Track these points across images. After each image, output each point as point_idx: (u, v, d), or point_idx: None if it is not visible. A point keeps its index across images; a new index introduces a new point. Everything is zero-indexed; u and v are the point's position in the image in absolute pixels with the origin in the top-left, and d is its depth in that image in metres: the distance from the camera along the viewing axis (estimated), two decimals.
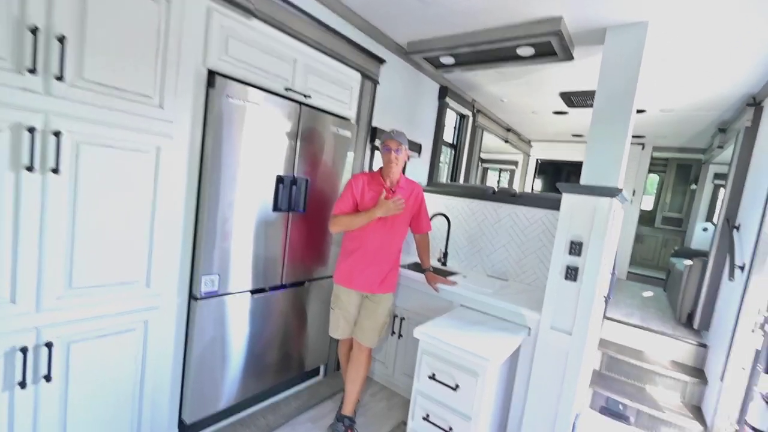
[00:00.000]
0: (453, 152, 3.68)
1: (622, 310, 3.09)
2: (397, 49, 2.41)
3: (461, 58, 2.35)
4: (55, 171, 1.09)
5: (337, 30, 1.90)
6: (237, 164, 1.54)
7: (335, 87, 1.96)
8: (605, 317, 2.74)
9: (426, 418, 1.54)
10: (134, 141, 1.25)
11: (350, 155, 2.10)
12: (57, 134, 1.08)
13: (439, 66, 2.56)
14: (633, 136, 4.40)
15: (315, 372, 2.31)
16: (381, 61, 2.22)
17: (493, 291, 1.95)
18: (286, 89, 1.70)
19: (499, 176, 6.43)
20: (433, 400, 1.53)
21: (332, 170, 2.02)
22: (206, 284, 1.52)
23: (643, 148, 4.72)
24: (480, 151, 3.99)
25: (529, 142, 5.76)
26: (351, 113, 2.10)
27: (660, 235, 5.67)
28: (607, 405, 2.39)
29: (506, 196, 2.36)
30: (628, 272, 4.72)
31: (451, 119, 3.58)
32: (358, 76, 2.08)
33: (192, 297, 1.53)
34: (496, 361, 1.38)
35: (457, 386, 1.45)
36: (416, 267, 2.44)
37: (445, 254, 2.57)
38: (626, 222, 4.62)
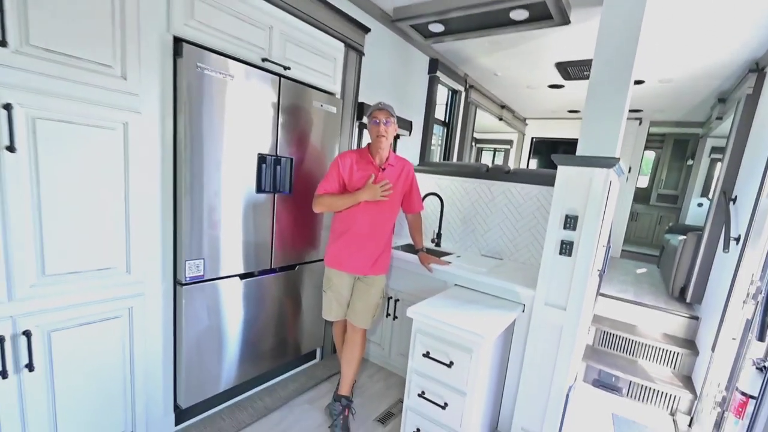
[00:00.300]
0: (445, 131, 3.58)
1: (616, 286, 3.13)
2: (383, 16, 2.27)
3: (451, 24, 2.23)
4: (10, 149, 1.00)
5: None
6: (213, 142, 1.45)
7: (317, 58, 1.85)
8: (599, 294, 2.75)
9: (422, 395, 1.55)
10: (97, 116, 1.15)
11: (337, 132, 2.01)
12: (7, 107, 0.98)
13: (429, 35, 2.44)
14: (630, 111, 4.32)
15: (312, 355, 2.30)
16: (366, 29, 2.09)
17: (487, 270, 1.93)
18: (263, 60, 1.59)
19: (494, 156, 6.34)
20: (428, 378, 1.53)
21: (318, 149, 1.93)
22: (191, 269, 1.46)
23: (640, 123, 4.63)
24: (473, 129, 3.89)
25: (524, 120, 5.65)
26: (335, 87, 1.99)
27: (655, 213, 5.65)
28: (599, 377, 2.43)
29: (500, 173, 2.31)
30: (623, 250, 4.73)
31: (442, 95, 3.47)
32: (341, 46, 1.96)
33: (177, 282, 1.48)
34: (489, 338, 1.38)
35: (452, 363, 1.45)
36: (410, 248, 2.39)
37: (439, 235, 2.53)
38: (621, 200, 4.57)
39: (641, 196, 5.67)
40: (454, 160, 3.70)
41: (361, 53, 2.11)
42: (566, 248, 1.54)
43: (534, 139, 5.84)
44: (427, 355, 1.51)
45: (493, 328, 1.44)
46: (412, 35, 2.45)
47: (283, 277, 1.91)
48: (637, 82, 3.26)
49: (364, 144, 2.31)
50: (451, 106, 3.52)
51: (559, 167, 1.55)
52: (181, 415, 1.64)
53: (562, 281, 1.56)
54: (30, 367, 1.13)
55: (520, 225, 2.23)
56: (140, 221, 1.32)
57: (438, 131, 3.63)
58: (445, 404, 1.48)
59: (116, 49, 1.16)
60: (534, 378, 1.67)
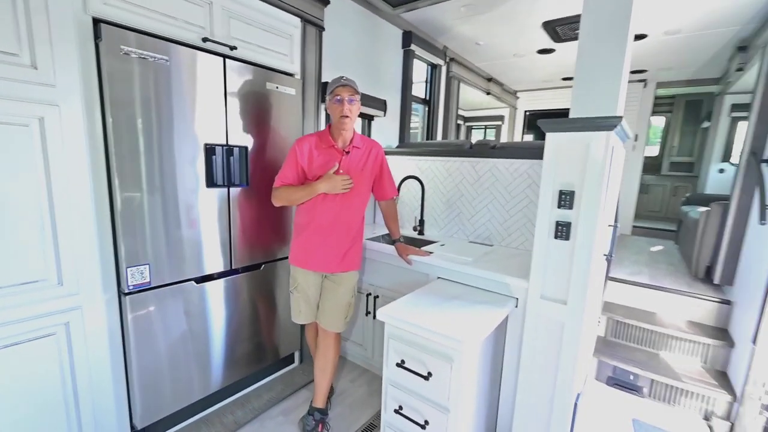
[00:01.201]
0: (426, 109, 3.53)
1: (628, 268, 2.93)
2: None
3: None
4: None
5: None
6: (150, 133, 1.40)
7: (269, 35, 1.78)
8: (608, 278, 2.58)
9: (399, 411, 1.45)
10: (4, 111, 1.10)
11: (298, 116, 1.96)
12: None
13: (396, 3, 2.37)
14: (633, 72, 4.19)
15: (290, 359, 2.29)
16: (325, 2, 2.02)
17: (473, 259, 1.86)
18: (204, 40, 1.52)
19: (485, 134, 6.32)
20: (405, 390, 1.44)
21: (278, 135, 1.88)
22: (134, 276, 1.42)
23: (645, 85, 4.48)
24: (458, 105, 3.85)
25: (514, 93, 5.61)
26: (294, 67, 1.93)
27: (668, 183, 5.49)
28: (614, 375, 2.22)
29: (485, 149, 2.24)
30: (633, 226, 4.56)
31: (421, 71, 3.40)
32: (297, 21, 1.90)
33: (121, 292, 1.44)
34: (472, 343, 1.27)
35: (430, 374, 1.35)
36: (388, 239, 2.38)
37: (421, 221, 2.50)
38: (629, 170, 4.45)
39: (651, 166, 5.55)
40: (439, 140, 3.66)
41: (321, 28, 2.05)
42: (562, 230, 1.39)
43: (528, 113, 5.82)
44: (401, 364, 1.41)
45: (477, 330, 1.32)
46: (378, 5, 2.39)
47: (248, 278, 1.89)
48: (638, 37, 3.07)
49: None
50: (431, 83, 3.46)
51: (548, 135, 1.40)
52: None
53: (560, 270, 1.42)
54: None
55: (511, 206, 2.16)
56: (70, 227, 1.28)
57: (419, 110, 3.58)
58: (426, 422, 1.38)
59: (21, 34, 1.09)
60: (533, 385, 1.54)
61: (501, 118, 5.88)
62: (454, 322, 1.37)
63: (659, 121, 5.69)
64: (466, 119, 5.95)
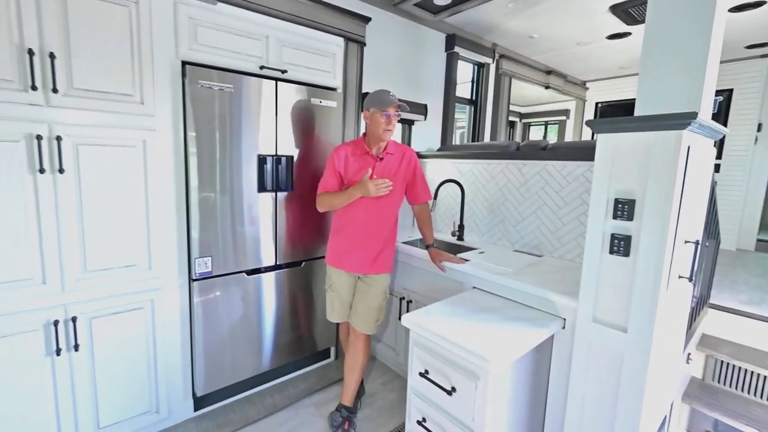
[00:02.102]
0: (472, 109, 3.83)
1: (744, 294, 2.67)
2: (385, 2, 2.61)
3: None
4: (61, 171, 1.54)
5: None
6: (216, 148, 1.94)
7: (315, 56, 2.26)
8: (708, 305, 2.41)
9: (421, 423, 1.53)
10: (123, 138, 1.68)
11: (339, 126, 2.41)
12: (58, 139, 1.52)
13: (437, 10, 2.72)
14: (753, 46, 3.85)
15: (326, 354, 2.75)
16: (366, 19, 2.46)
17: (513, 270, 1.89)
18: (261, 67, 2.03)
19: (545, 131, 6.37)
20: (428, 402, 1.52)
21: (320, 144, 2.35)
22: (200, 266, 1.97)
23: None
24: (509, 103, 4.09)
25: (583, 84, 5.64)
26: (336, 82, 2.39)
27: None
28: (715, 431, 2.05)
29: (535, 150, 2.30)
30: (758, 240, 4.23)
31: (466, 71, 3.72)
32: (340, 40, 2.36)
33: (191, 279, 2.00)
34: (500, 362, 1.28)
35: (454, 389, 1.39)
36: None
37: (461, 227, 2.71)
38: (751, 170, 4.08)
39: None
40: (487, 140, 3.92)
41: (362, 44, 2.49)
42: (619, 245, 1.33)
43: (600, 105, 5.79)
44: (425, 374, 1.49)
45: (508, 349, 1.32)
46: (419, 14, 2.77)
47: (290, 273, 2.38)
48: (747, 5, 2.85)
49: None
50: (478, 82, 3.76)
51: (600, 136, 1.37)
52: (198, 402, 2.18)
53: (618, 290, 1.35)
54: (76, 347, 1.69)
55: (564, 213, 2.14)
56: (158, 224, 1.84)
57: (464, 111, 3.89)
58: None
59: (135, 79, 1.67)
60: (584, 427, 1.46)
61: (566, 112, 5.91)
62: (482, 337, 1.40)
63: None
64: (522, 116, 6.07)
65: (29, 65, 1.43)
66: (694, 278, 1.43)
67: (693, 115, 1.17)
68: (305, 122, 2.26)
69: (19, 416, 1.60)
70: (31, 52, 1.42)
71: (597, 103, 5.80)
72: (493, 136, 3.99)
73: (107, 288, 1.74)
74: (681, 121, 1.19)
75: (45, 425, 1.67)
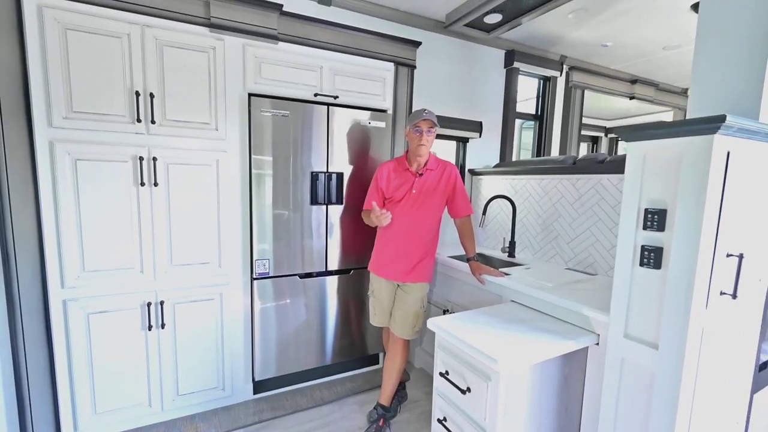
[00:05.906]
0: (538, 125, 3.68)
1: None
2: (436, 25, 2.72)
3: (507, 7, 2.39)
4: (156, 185, 1.95)
5: (363, 28, 2.38)
6: (275, 167, 2.22)
7: (365, 82, 2.45)
8: None
9: (442, 422, 1.62)
10: (202, 158, 2.04)
11: (387, 144, 2.56)
12: (155, 159, 1.92)
13: (490, 29, 2.73)
14: None
15: (374, 359, 2.88)
16: (416, 44, 2.59)
17: (553, 285, 1.89)
18: (315, 95, 2.29)
19: None
20: (449, 401, 1.61)
21: (369, 162, 2.53)
22: (259, 267, 2.26)
23: None
24: (581, 117, 3.82)
25: (684, 92, 4.96)
26: (386, 104, 2.56)
27: None
28: None
29: (592, 164, 2.22)
30: None
31: (530, 86, 3.59)
32: (390, 65, 2.52)
33: (252, 277, 2.29)
34: (509, 365, 1.31)
35: (468, 389, 1.47)
36: (479, 257, 2.68)
37: (512, 243, 2.69)
38: None
39: None
40: (546, 156, 3.73)
41: (412, 67, 2.62)
42: (650, 256, 1.28)
43: None
44: (445, 374, 1.58)
45: (522, 354, 1.35)
46: (472, 34, 2.81)
47: (340, 280, 2.57)
48: None
49: None
50: (543, 96, 3.61)
51: (628, 145, 1.33)
52: (257, 386, 2.46)
53: (649, 304, 1.31)
54: (163, 325, 2.07)
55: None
56: (227, 228, 2.18)
57: (529, 126, 3.75)
58: None
59: (211, 110, 2.03)
60: None
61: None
62: (499, 342, 1.44)
63: None
64: (608, 130, 5.54)
65: (135, 103, 1.86)
66: (736, 295, 1.30)
67: (721, 119, 1.10)
68: (355, 141, 2.45)
69: (123, 374, 2.03)
70: (137, 93, 1.85)
71: None
72: (562, 151, 3.76)
73: (187, 280, 2.11)
74: (710, 125, 1.12)
75: (140, 383, 2.08)
